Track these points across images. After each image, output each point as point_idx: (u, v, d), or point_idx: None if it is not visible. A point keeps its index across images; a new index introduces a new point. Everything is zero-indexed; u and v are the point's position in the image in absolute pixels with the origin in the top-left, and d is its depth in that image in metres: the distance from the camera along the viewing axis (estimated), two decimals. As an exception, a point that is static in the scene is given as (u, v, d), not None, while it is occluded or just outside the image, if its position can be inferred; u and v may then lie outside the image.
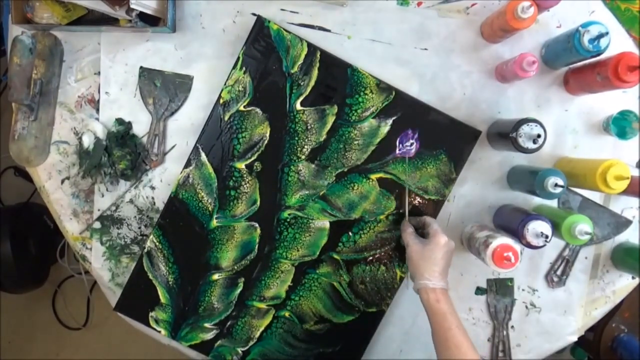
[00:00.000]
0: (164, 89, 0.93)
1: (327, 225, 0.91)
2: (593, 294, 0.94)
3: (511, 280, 0.93)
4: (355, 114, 0.89)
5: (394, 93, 0.89)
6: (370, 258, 0.91)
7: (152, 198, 0.94)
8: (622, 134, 0.88)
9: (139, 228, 0.95)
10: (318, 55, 0.89)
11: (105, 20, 0.90)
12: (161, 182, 0.94)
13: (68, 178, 0.95)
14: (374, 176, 0.90)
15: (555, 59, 0.86)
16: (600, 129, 0.90)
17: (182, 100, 0.93)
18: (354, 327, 0.92)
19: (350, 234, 0.91)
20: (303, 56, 0.89)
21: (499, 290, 0.93)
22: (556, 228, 0.79)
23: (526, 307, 0.94)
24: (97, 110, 0.94)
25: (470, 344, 0.73)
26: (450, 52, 0.90)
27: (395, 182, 0.90)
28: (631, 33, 0.90)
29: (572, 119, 0.91)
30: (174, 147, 0.94)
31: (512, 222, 0.82)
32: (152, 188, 0.94)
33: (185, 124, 0.94)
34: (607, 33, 0.76)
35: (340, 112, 0.89)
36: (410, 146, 0.89)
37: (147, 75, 0.93)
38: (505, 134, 0.81)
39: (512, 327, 0.94)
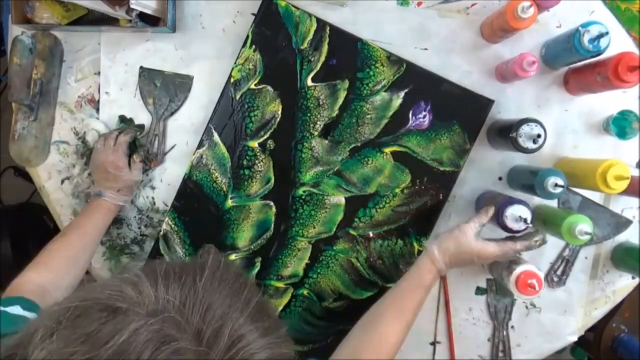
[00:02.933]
0: (164, 89, 0.93)
1: (343, 201, 0.91)
2: (593, 294, 0.94)
3: (511, 280, 0.93)
4: (366, 88, 0.89)
5: (404, 65, 0.89)
6: (387, 232, 0.91)
7: (152, 198, 0.94)
8: (622, 134, 0.88)
9: (139, 228, 0.95)
10: (327, 31, 0.89)
11: (105, 20, 0.90)
12: (161, 182, 0.94)
13: (68, 178, 0.95)
14: (387, 150, 0.89)
15: (555, 59, 0.86)
16: (600, 129, 0.90)
17: (182, 100, 0.93)
18: (373, 303, 0.92)
19: (366, 209, 0.90)
20: (312, 32, 0.89)
21: (499, 290, 0.93)
22: (556, 228, 0.79)
23: (526, 307, 0.94)
24: (97, 110, 0.94)
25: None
26: (450, 52, 0.90)
27: (409, 155, 0.90)
28: (631, 33, 0.90)
29: (572, 119, 0.91)
30: (174, 147, 0.94)
31: None
32: (152, 188, 0.94)
33: (185, 124, 0.94)
34: (607, 33, 0.76)
35: (351, 87, 0.89)
36: (423, 118, 0.89)
37: (147, 75, 0.93)
38: (505, 134, 0.81)
39: (512, 327, 0.94)
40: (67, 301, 0.39)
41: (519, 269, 0.77)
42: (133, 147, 0.91)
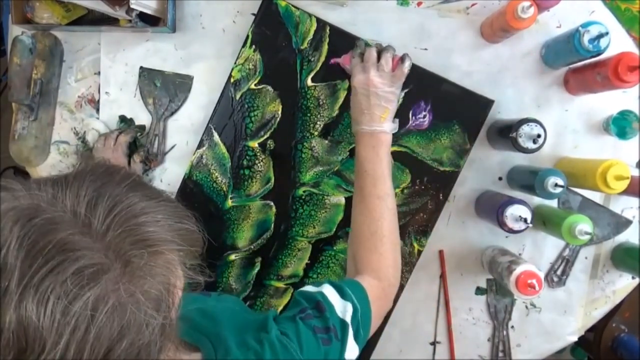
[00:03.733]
0: (164, 89, 0.93)
1: (343, 201, 0.91)
2: (593, 294, 0.94)
3: (511, 280, 0.93)
4: None
5: None
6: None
7: (152, 198, 0.94)
8: (622, 134, 0.88)
9: (139, 228, 0.95)
10: (327, 30, 0.89)
11: (105, 20, 0.90)
12: (161, 182, 0.94)
13: (68, 178, 0.95)
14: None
15: (555, 59, 0.86)
16: (600, 129, 0.90)
17: (182, 100, 0.93)
18: None
19: None
20: (312, 32, 0.89)
21: (499, 290, 0.93)
22: (556, 228, 0.79)
23: (526, 307, 0.94)
24: (97, 110, 0.94)
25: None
26: (450, 52, 0.90)
27: (409, 154, 0.90)
28: (631, 33, 0.90)
29: (572, 119, 0.91)
30: (174, 147, 0.94)
31: (491, 209, 0.83)
32: (152, 188, 0.94)
33: (185, 124, 0.93)
34: (607, 33, 0.76)
35: (351, 87, 0.89)
36: (423, 118, 0.89)
37: (147, 75, 0.93)
38: (505, 134, 0.81)
39: (512, 327, 0.94)
40: None
41: (519, 269, 0.78)
42: (133, 148, 0.91)
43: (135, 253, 0.38)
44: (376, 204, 0.74)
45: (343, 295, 0.63)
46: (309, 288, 0.65)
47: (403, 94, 0.88)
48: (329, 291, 0.63)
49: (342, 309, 0.61)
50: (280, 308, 0.92)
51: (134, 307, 0.37)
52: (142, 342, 0.37)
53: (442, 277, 0.93)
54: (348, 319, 0.60)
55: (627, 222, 0.92)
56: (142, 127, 0.93)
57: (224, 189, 0.91)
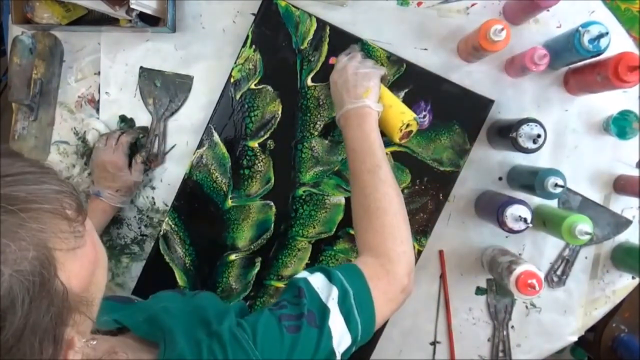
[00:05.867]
0: (164, 89, 0.93)
1: (343, 201, 0.91)
2: (593, 294, 0.94)
3: (511, 280, 0.93)
4: None
5: (405, 65, 0.89)
6: None
7: (152, 198, 0.94)
8: (622, 134, 0.88)
9: (139, 228, 0.95)
10: (327, 30, 0.89)
11: (105, 20, 0.90)
12: (161, 182, 0.94)
13: (68, 178, 0.95)
14: (388, 150, 0.88)
15: (555, 59, 0.86)
16: (600, 129, 0.90)
17: (182, 100, 0.93)
18: None
19: None
20: (312, 32, 0.89)
21: (499, 290, 0.93)
22: (556, 228, 0.79)
23: (526, 307, 0.94)
24: (97, 110, 0.94)
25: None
26: (450, 52, 0.90)
27: (409, 155, 0.90)
28: (631, 33, 0.90)
29: (572, 119, 0.91)
30: (174, 147, 0.94)
31: (491, 209, 0.83)
32: (153, 188, 0.94)
33: (185, 124, 0.94)
34: (607, 33, 0.76)
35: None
36: (423, 118, 0.89)
37: (147, 75, 0.93)
38: (505, 134, 0.81)
39: (512, 327, 0.94)
40: None
41: (519, 269, 0.77)
42: (134, 149, 0.91)
43: None
44: (367, 179, 0.70)
45: (331, 279, 0.58)
46: (300, 274, 0.60)
47: (403, 93, 0.87)
48: (315, 277, 0.59)
49: (327, 293, 0.57)
50: None
51: None
52: None
53: (442, 277, 0.93)
54: (330, 304, 0.55)
55: (627, 222, 0.92)
56: (145, 129, 0.93)
57: (224, 189, 0.91)
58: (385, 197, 0.68)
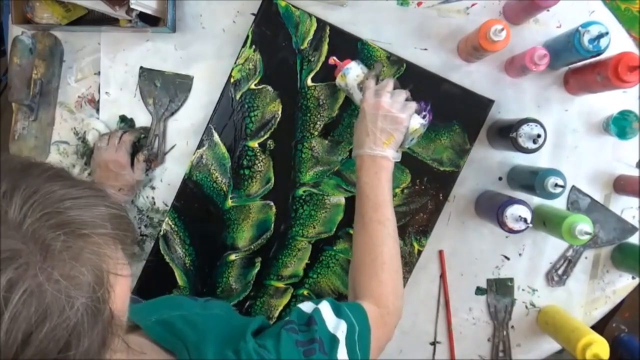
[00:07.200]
0: (164, 89, 0.93)
1: (343, 201, 0.91)
2: (593, 294, 0.94)
3: (511, 280, 0.93)
4: None
5: (404, 65, 0.89)
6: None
7: (153, 198, 0.94)
8: (622, 134, 0.88)
9: (139, 228, 0.95)
10: (327, 30, 0.89)
11: (105, 20, 0.90)
12: (161, 182, 0.94)
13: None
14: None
15: (555, 59, 0.86)
16: (600, 129, 0.90)
17: (182, 100, 0.93)
18: None
19: None
20: (312, 32, 0.89)
21: (499, 290, 0.93)
22: (556, 228, 0.79)
23: (526, 307, 0.94)
24: (97, 110, 0.94)
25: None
26: (450, 52, 0.90)
27: (409, 154, 0.89)
28: (631, 33, 0.90)
29: (572, 119, 0.91)
30: (174, 147, 0.94)
31: (491, 209, 0.83)
32: (153, 188, 0.94)
33: (185, 124, 0.94)
34: (607, 33, 0.76)
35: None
36: (423, 118, 0.89)
37: (147, 75, 0.93)
38: (505, 134, 0.81)
39: (512, 327, 0.94)
40: None
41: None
42: (135, 148, 0.91)
43: (54, 236, 0.37)
44: (378, 229, 0.73)
45: (339, 313, 0.61)
46: (305, 305, 0.63)
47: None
48: (324, 307, 0.61)
49: (335, 325, 0.59)
50: (280, 308, 0.93)
51: (55, 290, 0.36)
52: (68, 325, 0.36)
53: (442, 277, 0.94)
54: (340, 336, 0.58)
55: (633, 229, 0.92)
56: (146, 129, 0.93)
57: (224, 189, 0.91)
58: (392, 251, 0.73)
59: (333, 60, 0.86)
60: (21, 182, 0.38)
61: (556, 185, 0.77)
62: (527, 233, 0.86)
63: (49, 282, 0.36)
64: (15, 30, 0.92)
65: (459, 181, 0.90)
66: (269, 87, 0.90)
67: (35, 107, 0.93)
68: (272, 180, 0.91)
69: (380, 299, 0.69)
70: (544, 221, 0.84)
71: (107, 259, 0.39)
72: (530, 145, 0.79)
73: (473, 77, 0.90)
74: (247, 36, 0.89)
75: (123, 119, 0.94)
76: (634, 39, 0.90)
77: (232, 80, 0.90)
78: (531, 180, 0.81)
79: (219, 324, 0.59)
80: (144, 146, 0.92)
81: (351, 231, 0.91)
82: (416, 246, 0.91)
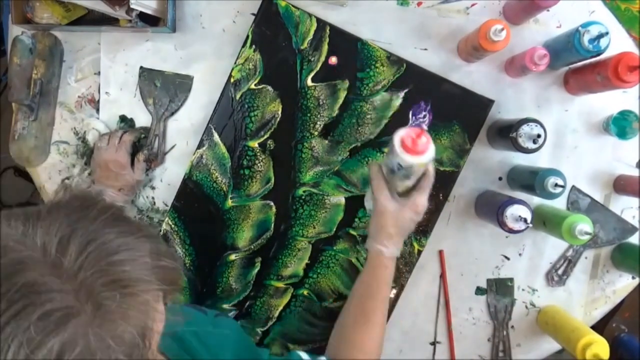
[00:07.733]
0: (164, 89, 0.93)
1: (343, 201, 0.91)
2: (593, 294, 0.94)
3: (511, 280, 0.93)
4: (366, 88, 0.89)
5: (404, 65, 0.89)
6: None
7: (153, 198, 0.94)
8: (622, 134, 0.88)
9: (139, 228, 0.95)
10: (327, 30, 0.89)
11: (105, 20, 0.90)
12: (161, 182, 0.94)
13: (68, 178, 0.95)
14: (388, 150, 0.89)
15: (555, 59, 0.86)
16: (600, 129, 0.90)
17: (182, 100, 0.93)
18: None
19: (366, 209, 0.90)
20: (312, 32, 0.89)
21: (499, 290, 0.93)
22: (556, 228, 0.79)
23: (526, 307, 0.94)
24: (97, 110, 0.94)
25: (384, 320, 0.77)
26: (450, 52, 0.90)
27: None
28: (631, 33, 0.90)
29: (572, 119, 0.91)
30: (174, 147, 0.94)
31: (491, 209, 0.83)
32: (153, 188, 0.94)
33: (185, 124, 0.94)
34: (607, 33, 0.76)
35: (351, 87, 0.89)
36: (423, 118, 0.89)
37: (147, 75, 0.93)
38: (505, 134, 0.81)
39: (512, 327, 0.94)
40: None
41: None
42: (135, 148, 0.91)
43: (107, 295, 0.36)
44: (377, 313, 0.76)
45: None
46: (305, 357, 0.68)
47: (403, 93, 0.86)
48: None
49: None
50: (280, 308, 0.93)
51: (104, 353, 0.35)
52: None
53: (442, 277, 0.94)
54: None
55: (633, 229, 0.92)
56: (146, 129, 0.93)
57: (224, 189, 0.91)
58: (379, 338, 0.76)
59: (333, 60, 0.86)
60: (78, 225, 0.38)
61: (556, 185, 0.77)
62: (527, 233, 0.86)
63: (99, 344, 0.35)
64: (15, 30, 0.92)
65: (459, 181, 0.90)
66: (269, 87, 0.90)
67: (35, 107, 0.93)
68: (272, 180, 0.91)
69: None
70: (544, 221, 0.84)
71: (150, 314, 0.39)
72: (530, 145, 0.79)
73: (473, 77, 0.90)
74: (247, 36, 0.89)
75: (123, 119, 0.94)
76: (634, 39, 0.90)
77: (232, 80, 0.90)
78: (531, 180, 0.81)
79: (231, 348, 0.61)
80: (144, 146, 0.92)
81: (351, 231, 0.91)
82: (416, 246, 0.91)
